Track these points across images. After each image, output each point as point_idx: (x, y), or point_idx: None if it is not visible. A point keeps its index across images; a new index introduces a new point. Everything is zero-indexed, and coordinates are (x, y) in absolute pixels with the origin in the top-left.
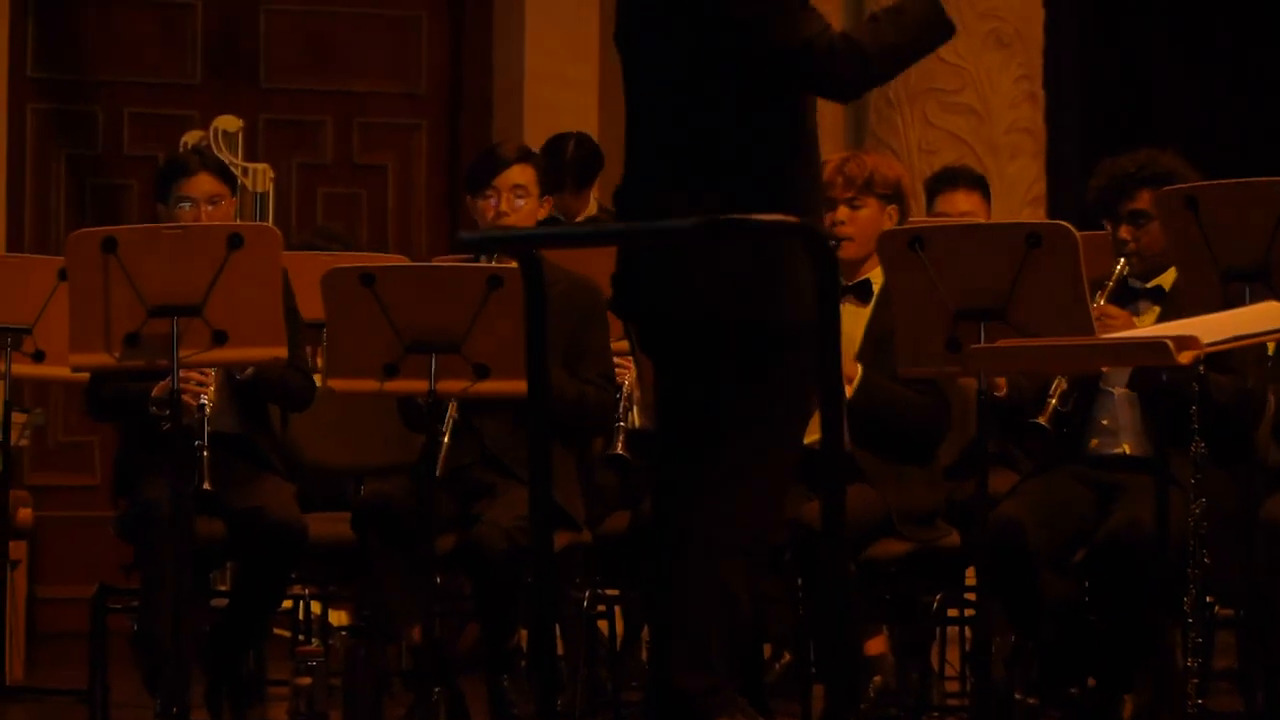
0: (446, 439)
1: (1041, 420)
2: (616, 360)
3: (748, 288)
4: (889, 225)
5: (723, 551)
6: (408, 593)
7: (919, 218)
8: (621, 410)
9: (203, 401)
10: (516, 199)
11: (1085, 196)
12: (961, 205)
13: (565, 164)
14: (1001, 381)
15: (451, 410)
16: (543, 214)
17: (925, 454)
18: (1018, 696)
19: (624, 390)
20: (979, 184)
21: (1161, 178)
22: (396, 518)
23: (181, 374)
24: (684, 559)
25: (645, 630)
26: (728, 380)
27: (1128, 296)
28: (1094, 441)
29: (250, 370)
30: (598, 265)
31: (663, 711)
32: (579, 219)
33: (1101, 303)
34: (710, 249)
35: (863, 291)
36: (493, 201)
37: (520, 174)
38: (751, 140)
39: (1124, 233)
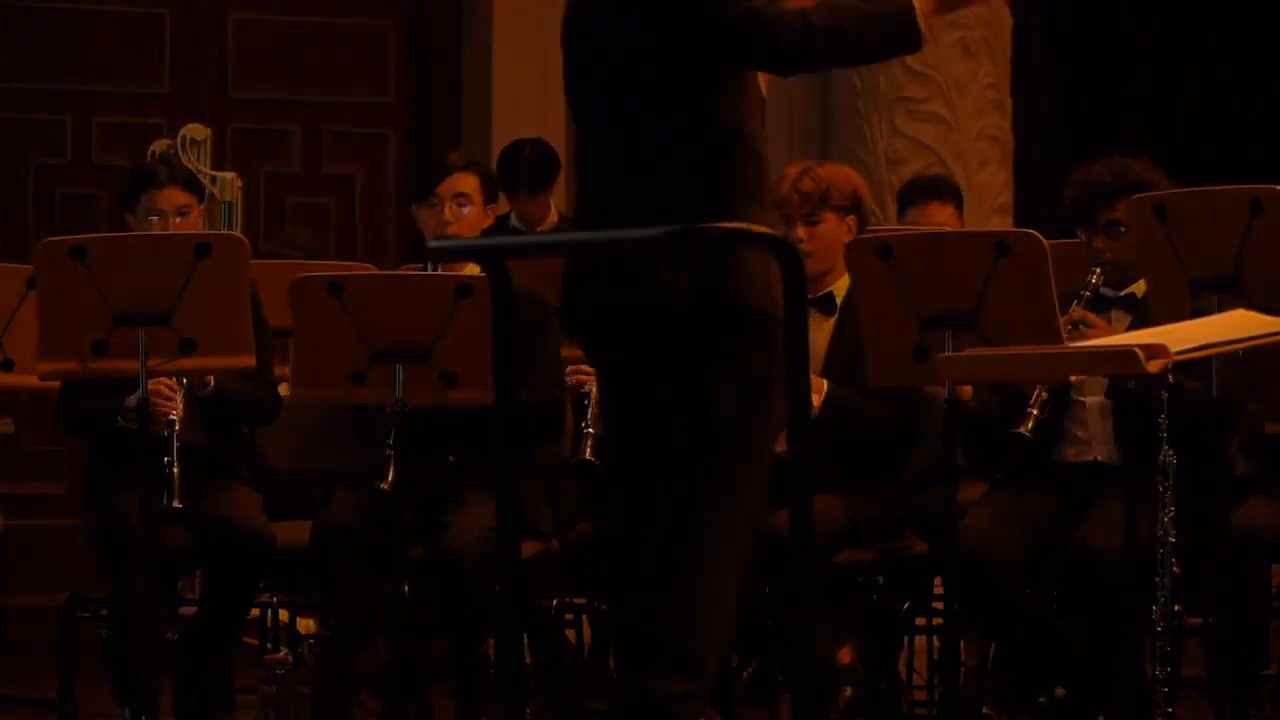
0: (392, 453)
1: (1024, 430)
2: (582, 366)
3: (700, 273)
4: (848, 237)
5: (718, 559)
6: (372, 608)
7: (889, 226)
8: (591, 416)
9: (171, 417)
10: (460, 207)
11: (1058, 204)
12: (937, 218)
13: (519, 168)
14: (967, 389)
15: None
16: (489, 221)
17: (892, 465)
18: (985, 711)
19: (592, 396)
20: (954, 195)
21: (1137, 186)
22: (356, 536)
23: (152, 387)
24: (673, 568)
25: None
26: (683, 375)
27: (1100, 305)
28: (1068, 451)
29: (210, 386)
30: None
31: (632, 715)
32: (540, 226)
33: (1078, 310)
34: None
35: (826, 304)
36: (437, 210)
37: (463, 182)
38: (695, 135)
39: (1100, 242)
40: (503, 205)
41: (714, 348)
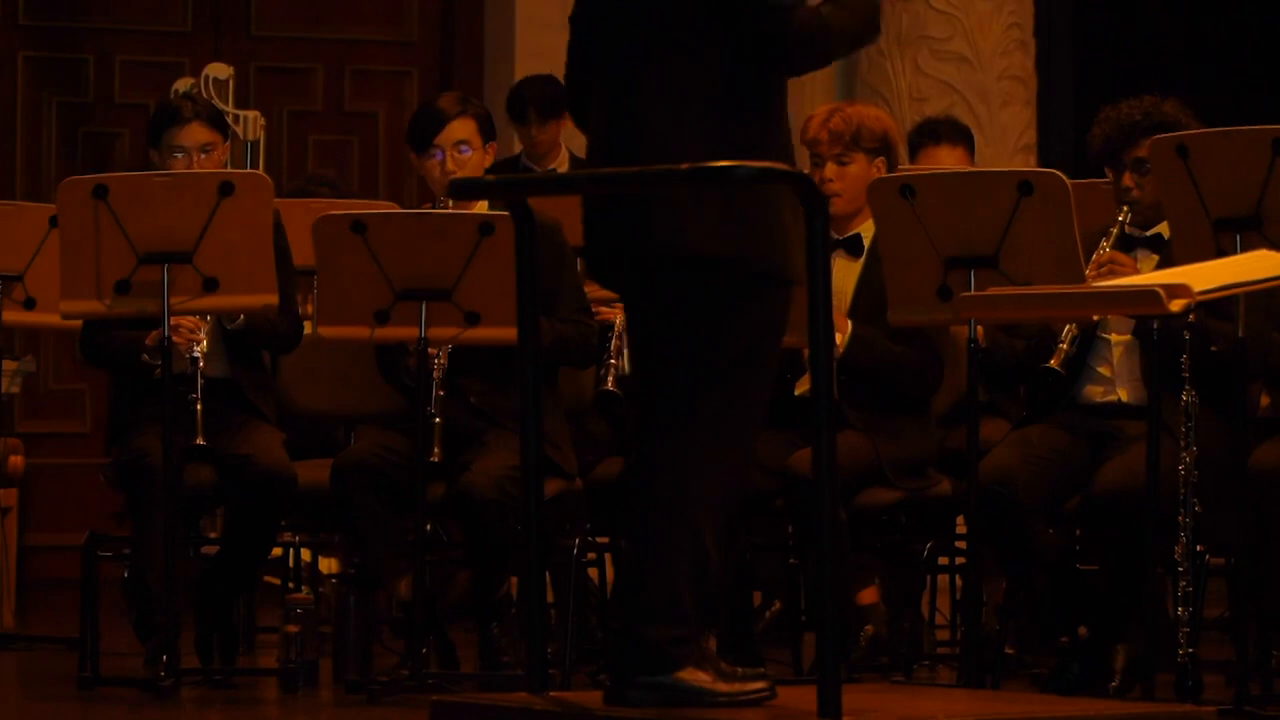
0: (438, 420)
1: (1054, 364)
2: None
3: (723, 228)
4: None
5: (695, 501)
6: (394, 547)
7: (904, 168)
8: (614, 348)
9: (195, 354)
10: (461, 154)
11: (1087, 142)
12: (945, 160)
13: (528, 96)
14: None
15: (438, 372)
16: (489, 161)
17: (916, 404)
18: (1009, 651)
19: (616, 328)
20: (963, 137)
21: (1167, 126)
22: (377, 476)
23: (174, 323)
24: (656, 509)
25: None
26: (695, 324)
27: (1127, 245)
28: (1091, 389)
29: (241, 320)
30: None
31: (629, 660)
32: (551, 161)
33: (1108, 250)
34: (685, 194)
35: (854, 246)
36: (438, 159)
37: (461, 128)
38: (725, 88)
39: (1128, 180)
40: (513, 147)
41: (718, 306)
